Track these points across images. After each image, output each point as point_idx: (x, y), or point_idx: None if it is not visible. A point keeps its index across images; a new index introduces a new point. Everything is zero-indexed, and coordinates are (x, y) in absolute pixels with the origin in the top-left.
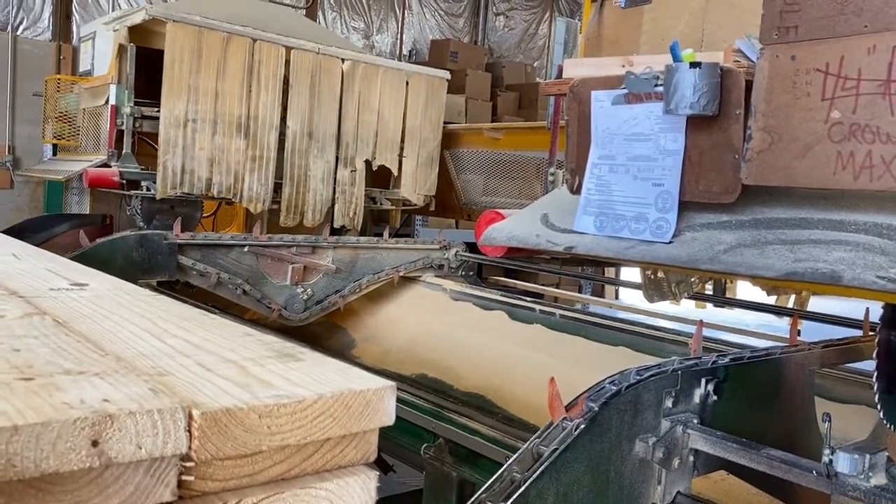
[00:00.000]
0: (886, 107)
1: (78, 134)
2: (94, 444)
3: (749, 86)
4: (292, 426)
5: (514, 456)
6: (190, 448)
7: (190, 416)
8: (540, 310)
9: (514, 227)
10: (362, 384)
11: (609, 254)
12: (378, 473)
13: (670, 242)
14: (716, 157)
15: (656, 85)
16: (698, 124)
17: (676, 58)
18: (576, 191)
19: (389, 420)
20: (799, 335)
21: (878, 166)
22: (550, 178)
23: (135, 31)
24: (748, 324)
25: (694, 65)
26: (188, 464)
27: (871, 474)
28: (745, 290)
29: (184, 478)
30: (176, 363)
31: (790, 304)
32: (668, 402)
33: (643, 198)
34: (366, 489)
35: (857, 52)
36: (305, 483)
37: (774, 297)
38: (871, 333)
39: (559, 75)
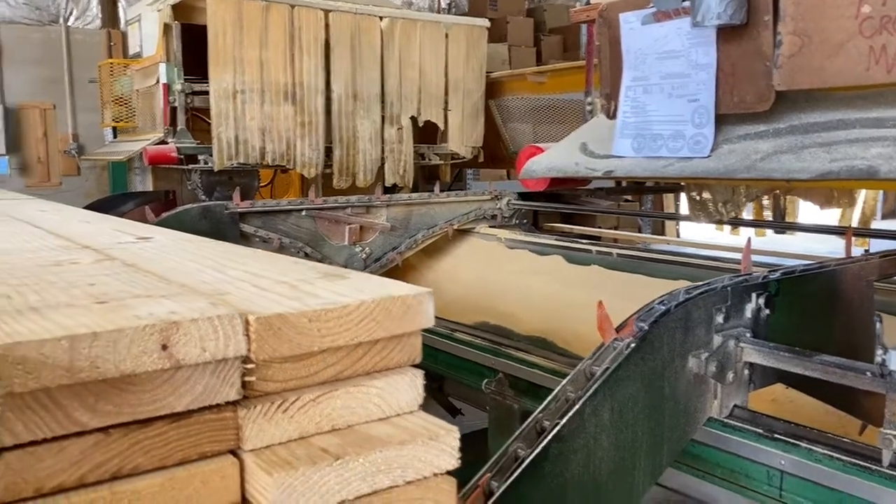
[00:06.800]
0: None
1: (134, 115)
2: (164, 347)
3: None
4: (340, 329)
5: (568, 377)
6: (249, 350)
7: (247, 322)
8: (597, 251)
9: (554, 157)
10: (401, 291)
11: (647, 174)
12: (423, 372)
13: (708, 156)
14: (748, 67)
15: (683, 0)
16: (728, 35)
17: None
18: (612, 116)
19: (429, 322)
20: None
21: None
22: (588, 107)
23: (177, 9)
24: (816, 252)
25: None
26: (249, 366)
27: None
28: (808, 216)
29: (246, 378)
30: (234, 286)
31: (854, 224)
32: (720, 318)
33: (679, 115)
34: (413, 386)
35: None
36: (357, 382)
37: (838, 216)
38: None
39: (588, 1)
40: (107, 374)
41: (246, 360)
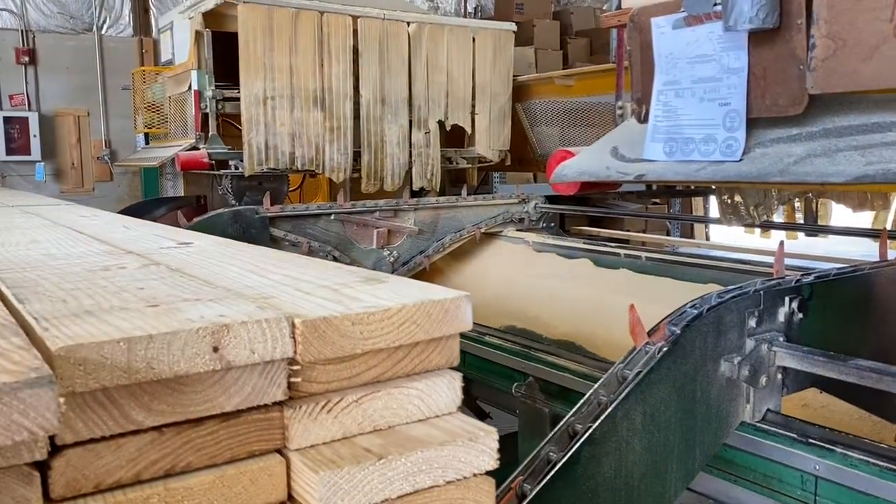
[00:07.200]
0: None
1: (166, 121)
2: (215, 349)
3: None
4: (382, 332)
5: (600, 381)
6: (295, 352)
7: (293, 325)
8: (625, 254)
9: (584, 162)
10: (440, 295)
11: (679, 178)
12: (461, 374)
13: (740, 160)
14: (780, 70)
15: (715, 4)
16: (760, 39)
17: None
18: (643, 120)
19: (467, 325)
20: None
21: None
22: (619, 111)
23: (209, 17)
24: (848, 255)
25: None
26: (295, 367)
27: None
28: (840, 219)
29: (292, 380)
30: (277, 290)
31: (888, 226)
32: (752, 322)
33: (711, 119)
34: (452, 388)
35: None
36: (398, 384)
37: (871, 218)
38: None
39: (619, 6)
40: (162, 375)
41: (292, 361)
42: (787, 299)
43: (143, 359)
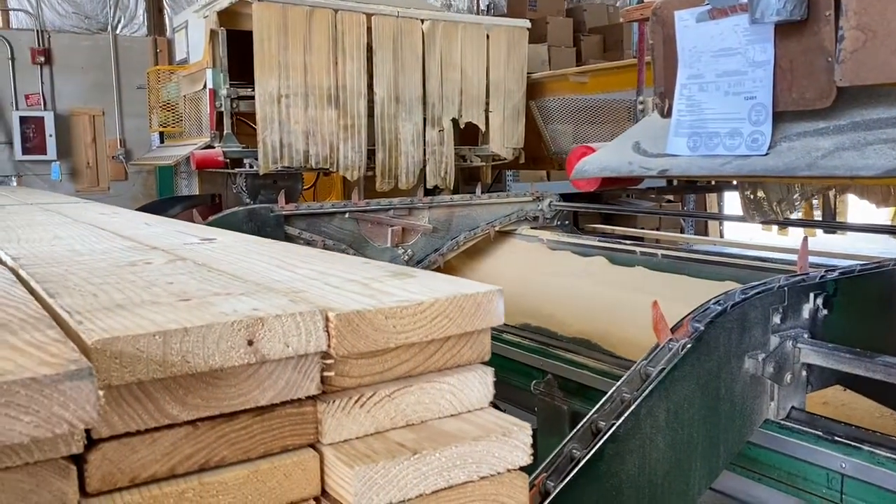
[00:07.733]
0: None
1: (181, 120)
2: (250, 343)
3: None
4: (414, 326)
5: (623, 378)
6: (329, 346)
7: (327, 319)
8: (641, 252)
9: (606, 157)
10: (471, 289)
11: (704, 172)
12: (493, 369)
13: (766, 154)
14: (808, 63)
15: None
16: (786, 31)
17: None
18: (666, 114)
19: (499, 320)
20: None
21: None
22: (640, 106)
23: (223, 16)
24: (869, 252)
25: None
26: (328, 361)
27: None
28: (858, 216)
29: (325, 374)
30: (306, 284)
31: None
32: (776, 319)
33: (736, 112)
34: (484, 383)
35: None
36: (430, 378)
37: (890, 215)
38: None
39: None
40: (196, 369)
41: (325, 355)
42: (811, 295)
43: (179, 352)
